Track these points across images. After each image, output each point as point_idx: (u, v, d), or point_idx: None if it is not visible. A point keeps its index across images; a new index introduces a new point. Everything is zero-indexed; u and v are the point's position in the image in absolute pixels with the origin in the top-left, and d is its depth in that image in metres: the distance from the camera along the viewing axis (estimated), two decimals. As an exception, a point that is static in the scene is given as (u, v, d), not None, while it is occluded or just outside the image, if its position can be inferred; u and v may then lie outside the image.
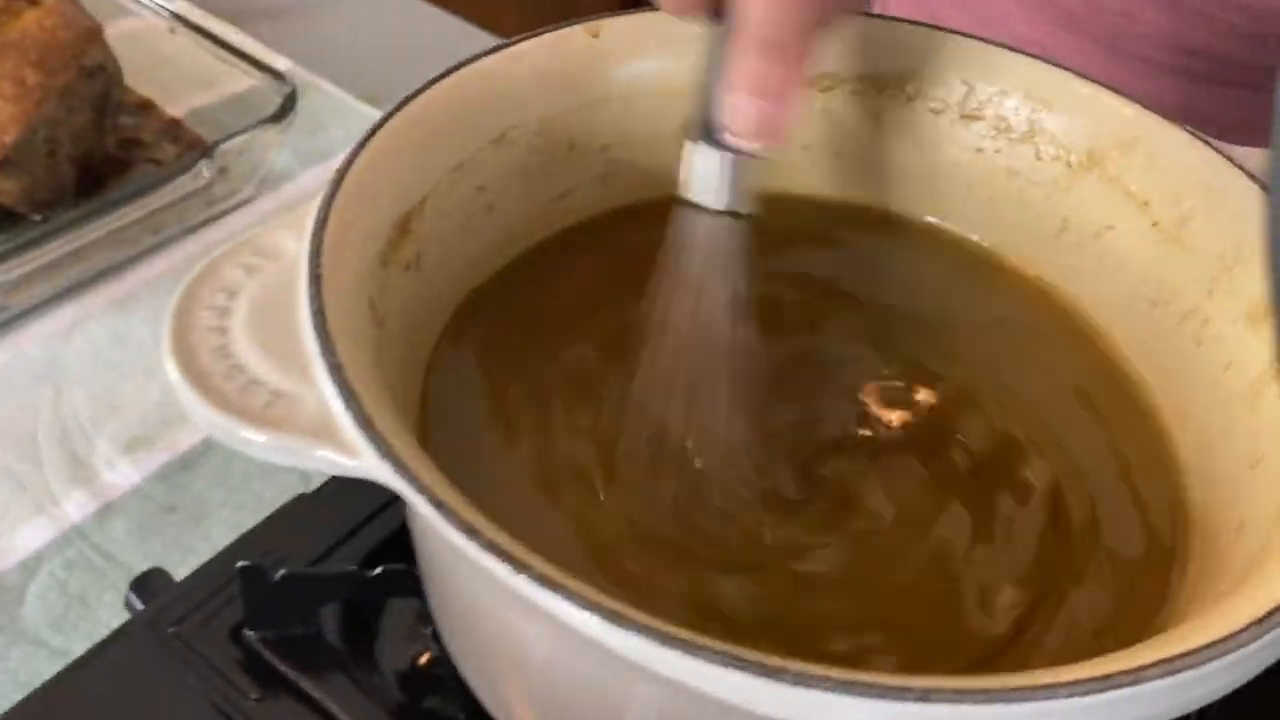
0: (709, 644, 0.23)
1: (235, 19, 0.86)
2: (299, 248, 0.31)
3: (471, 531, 0.24)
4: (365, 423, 0.27)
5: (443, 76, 0.38)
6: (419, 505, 0.25)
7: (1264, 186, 0.36)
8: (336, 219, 0.32)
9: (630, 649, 0.23)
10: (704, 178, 0.36)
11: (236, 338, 0.29)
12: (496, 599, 0.26)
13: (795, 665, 0.23)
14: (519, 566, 0.24)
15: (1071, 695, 0.23)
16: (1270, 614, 0.24)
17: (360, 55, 0.87)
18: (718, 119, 0.35)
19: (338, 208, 0.33)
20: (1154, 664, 0.23)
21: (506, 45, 0.39)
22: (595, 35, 0.41)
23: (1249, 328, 0.35)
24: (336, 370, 0.28)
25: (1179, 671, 0.24)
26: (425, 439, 0.35)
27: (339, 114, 0.79)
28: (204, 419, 0.28)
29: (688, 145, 0.36)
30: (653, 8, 0.41)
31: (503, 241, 0.41)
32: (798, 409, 0.38)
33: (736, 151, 0.35)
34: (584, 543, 0.33)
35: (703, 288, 0.36)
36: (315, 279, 0.30)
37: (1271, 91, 0.64)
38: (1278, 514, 0.30)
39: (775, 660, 0.23)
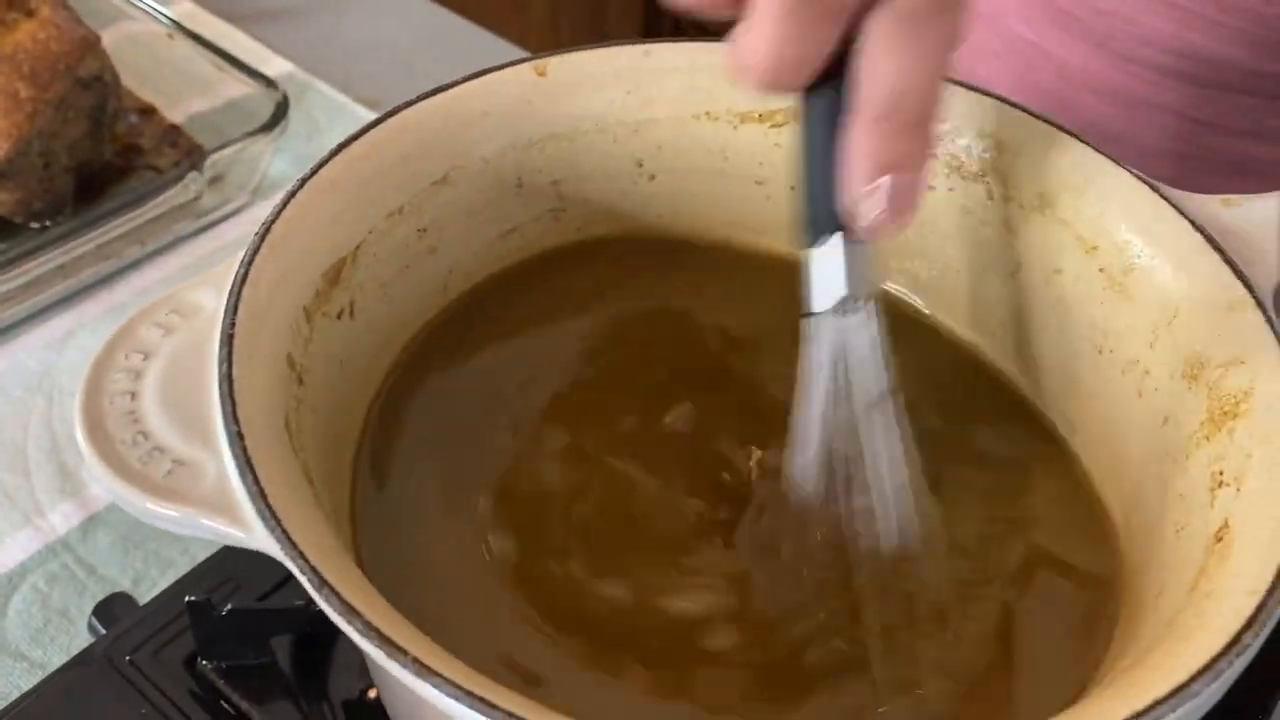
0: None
1: (236, 20, 0.87)
2: (217, 305, 0.32)
3: (350, 614, 0.25)
4: (259, 495, 0.27)
5: (382, 120, 0.38)
6: (305, 584, 0.26)
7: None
8: (259, 273, 0.33)
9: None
10: (828, 278, 0.32)
11: (146, 402, 0.30)
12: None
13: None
14: (392, 651, 0.24)
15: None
16: (1138, 715, 0.24)
17: (361, 57, 0.88)
18: (840, 209, 0.31)
19: (261, 261, 0.33)
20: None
21: (447, 87, 0.39)
22: (542, 74, 0.41)
23: (1185, 383, 0.35)
24: (237, 439, 0.28)
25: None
26: (357, 494, 0.35)
27: (336, 118, 0.80)
28: (106, 486, 0.28)
29: (805, 254, 0.33)
30: (642, 37, 0.41)
31: (446, 282, 0.41)
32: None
33: (862, 239, 0.32)
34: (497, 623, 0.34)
35: (850, 393, 0.33)
36: (227, 339, 0.30)
37: (1272, 99, 0.63)
38: (1190, 588, 0.29)
39: None
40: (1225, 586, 0.28)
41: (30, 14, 0.67)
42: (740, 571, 0.35)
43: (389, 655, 0.24)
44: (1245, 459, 0.31)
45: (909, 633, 0.34)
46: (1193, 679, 0.25)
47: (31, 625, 0.53)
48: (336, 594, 0.25)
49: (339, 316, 0.36)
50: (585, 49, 0.41)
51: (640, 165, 0.43)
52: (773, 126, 0.43)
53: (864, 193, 0.30)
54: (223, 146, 0.67)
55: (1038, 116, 0.40)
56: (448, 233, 0.40)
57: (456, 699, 0.24)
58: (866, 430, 0.33)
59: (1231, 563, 0.29)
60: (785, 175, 0.44)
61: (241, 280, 0.32)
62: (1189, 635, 0.27)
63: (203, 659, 0.42)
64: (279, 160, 0.75)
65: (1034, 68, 0.68)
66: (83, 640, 0.53)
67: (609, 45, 0.41)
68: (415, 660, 0.24)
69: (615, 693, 0.32)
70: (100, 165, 0.71)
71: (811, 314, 0.33)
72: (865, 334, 0.33)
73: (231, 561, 0.45)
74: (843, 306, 0.32)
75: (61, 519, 0.57)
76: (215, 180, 0.68)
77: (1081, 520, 0.37)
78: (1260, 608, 0.27)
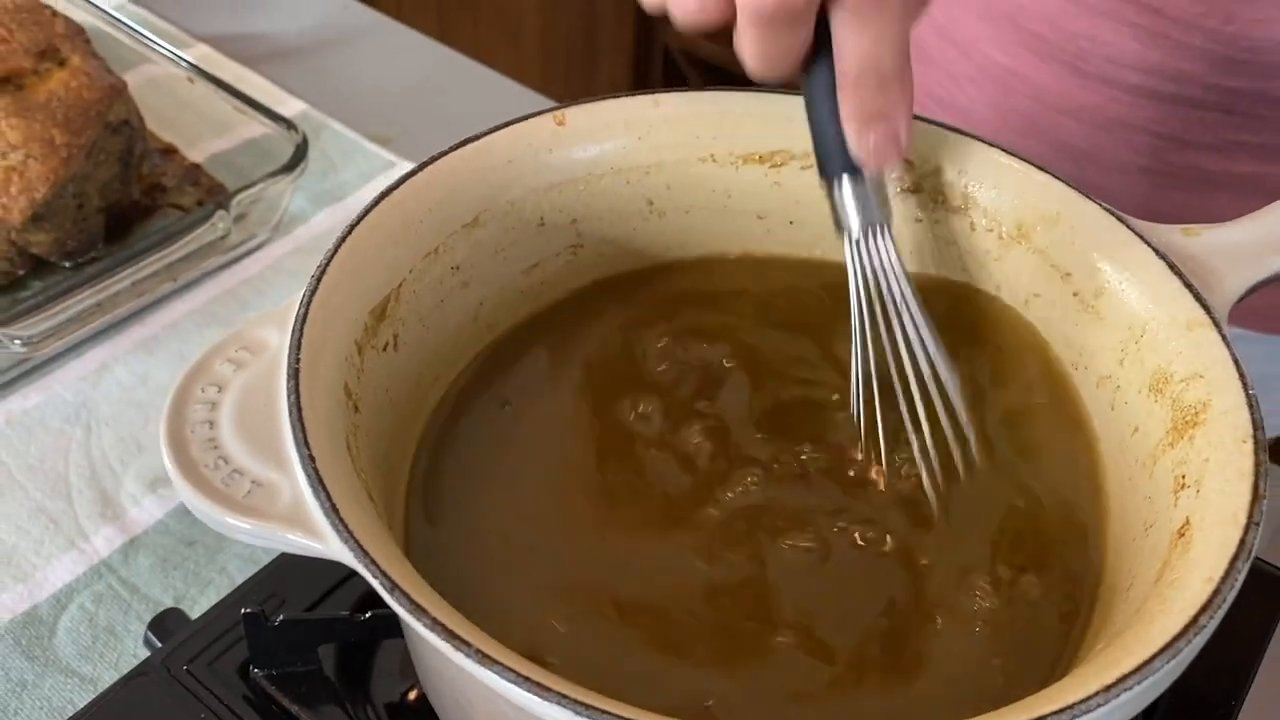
0: (623, 713, 0.27)
1: (249, 61, 0.91)
2: (281, 341, 0.35)
3: (419, 612, 0.28)
4: (332, 510, 0.30)
5: (418, 170, 0.41)
6: (377, 588, 0.29)
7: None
8: (317, 312, 0.36)
9: (553, 715, 0.27)
10: (851, 206, 0.42)
11: (224, 429, 0.33)
12: (447, 660, 0.30)
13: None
14: (458, 644, 0.28)
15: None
16: (1108, 688, 0.28)
17: (371, 95, 0.91)
18: (848, 152, 0.40)
19: (318, 301, 0.37)
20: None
21: (477, 138, 0.43)
22: (561, 123, 0.44)
23: (1151, 396, 0.38)
24: (309, 462, 0.31)
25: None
26: (411, 504, 0.39)
27: (350, 155, 0.83)
28: (192, 506, 0.32)
29: (831, 187, 0.42)
30: (627, 91, 0.45)
31: (477, 314, 0.44)
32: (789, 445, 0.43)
33: (870, 175, 0.41)
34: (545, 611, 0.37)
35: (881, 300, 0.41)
36: (294, 373, 0.34)
37: (1231, 113, 0.67)
38: (1156, 578, 0.33)
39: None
40: (1185, 576, 0.31)
41: (62, 63, 0.71)
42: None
43: (455, 647, 0.28)
44: (1204, 463, 0.35)
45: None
46: (1155, 656, 0.29)
47: (81, 643, 0.56)
48: (406, 595, 0.29)
49: (385, 349, 0.39)
50: (599, 100, 0.45)
51: (651, 204, 0.47)
52: (772, 167, 0.46)
53: (859, 140, 0.40)
54: (247, 186, 0.71)
55: (1014, 154, 0.44)
56: (478, 269, 0.44)
57: (514, 683, 0.27)
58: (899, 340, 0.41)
59: (1191, 555, 0.32)
60: (783, 210, 0.48)
61: (302, 319, 0.35)
62: (1153, 619, 0.30)
63: (255, 667, 0.45)
64: (297, 197, 0.79)
65: (1010, 92, 0.71)
66: (129, 656, 0.56)
67: (621, 96, 0.45)
68: (478, 651, 0.28)
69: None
70: (127, 204, 0.75)
71: (843, 236, 0.42)
72: (886, 255, 0.41)
73: (276, 578, 0.48)
74: (863, 233, 0.41)
75: (104, 542, 0.60)
76: (239, 218, 0.72)
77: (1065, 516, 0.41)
78: (1215, 593, 0.30)
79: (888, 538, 0.39)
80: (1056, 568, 0.39)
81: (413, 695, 0.46)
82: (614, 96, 0.45)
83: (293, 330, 0.35)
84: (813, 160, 0.46)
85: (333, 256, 0.37)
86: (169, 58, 0.82)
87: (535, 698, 0.27)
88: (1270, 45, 0.61)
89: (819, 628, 0.37)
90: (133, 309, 0.70)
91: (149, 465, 0.63)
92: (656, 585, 0.38)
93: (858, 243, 0.42)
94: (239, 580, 0.58)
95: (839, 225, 0.42)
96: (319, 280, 0.37)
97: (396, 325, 0.40)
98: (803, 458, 0.42)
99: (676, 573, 0.39)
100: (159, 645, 0.48)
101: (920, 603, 0.38)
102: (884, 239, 0.41)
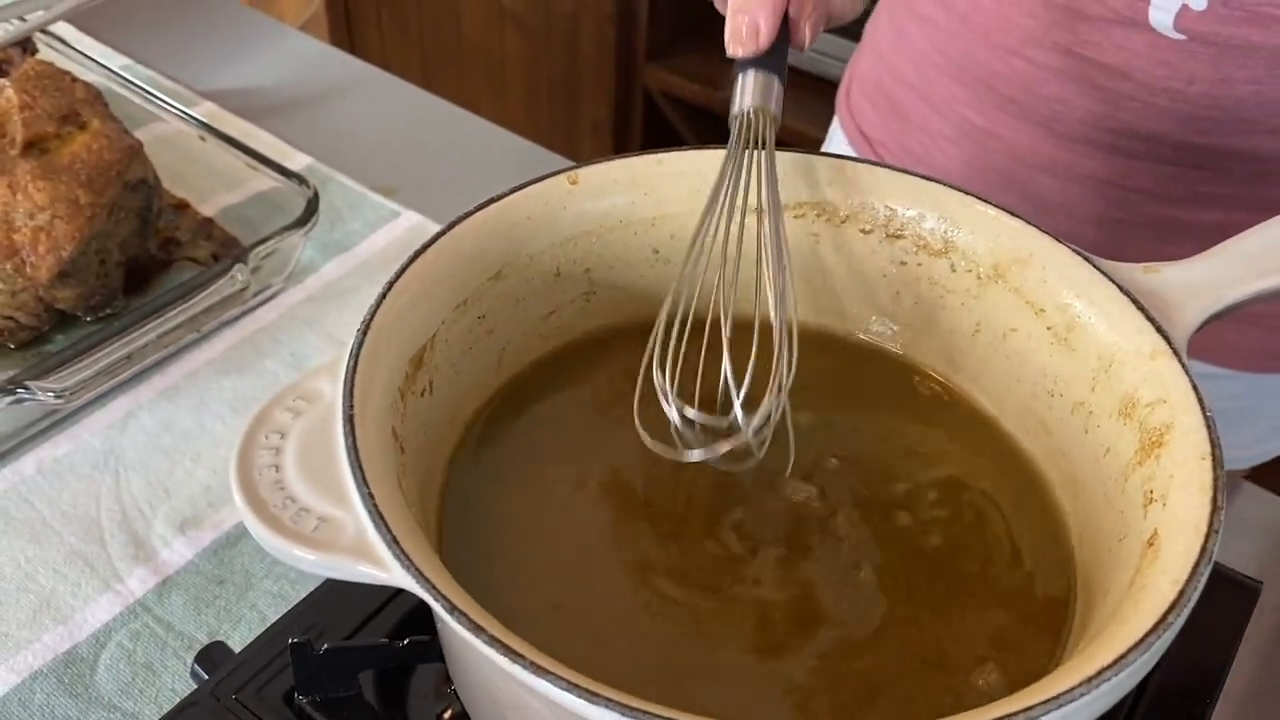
0: (667, 714, 0.31)
1: (250, 115, 0.94)
2: (334, 391, 0.39)
3: (478, 630, 0.32)
4: (393, 542, 0.34)
5: (446, 230, 0.45)
6: (439, 611, 0.33)
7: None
8: (364, 363, 0.40)
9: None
10: (741, 89, 0.47)
11: (288, 471, 0.37)
12: (501, 676, 0.33)
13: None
14: (515, 658, 0.31)
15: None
16: (1089, 680, 0.31)
17: (369, 146, 0.95)
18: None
19: (365, 353, 0.40)
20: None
21: (499, 198, 0.47)
22: (574, 183, 0.48)
23: (1121, 420, 0.42)
24: (369, 499, 0.35)
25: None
26: (441, 540, 0.42)
27: (356, 206, 0.87)
28: (265, 542, 0.35)
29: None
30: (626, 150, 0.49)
31: (500, 358, 0.48)
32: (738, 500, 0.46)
33: (741, 60, 0.47)
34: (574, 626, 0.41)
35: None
36: (349, 419, 0.37)
37: (1200, 168, 0.70)
38: (1129, 584, 0.37)
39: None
40: (1155, 580, 0.35)
41: (83, 126, 0.75)
42: None
43: (512, 660, 0.31)
44: (1169, 479, 0.39)
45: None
46: (1130, 650, 0.32)
47: (121, 679, 0.59)
48: (466, 615, 0.32)
49: (422, 394, 0.43)
50: (609, 160, 0.49)
51: (656, 252, 0.51)
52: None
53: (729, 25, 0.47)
54: (264, 240, 0.75)
55: (988, 202, 0.48)
56: (501, 317, 0.47)
57: (568, 690, 0.31)
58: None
59: (1160, 562, 0.36)
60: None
61: (353, 370, 0.39)
62: (1127, 619, 0.34)
63: (299, 694, 0.48)
64: (307, 248, 0.82)
65: (986, 150, 0.75)
66: (168, 690, 0.59)
67: (628, 156, 0.49)
68: (533, 664, 0.31)
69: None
70: (145, 258, 0.79)
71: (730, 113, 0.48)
72: (766, 135, 0.46)
73: (316, 610, 0.52)
74: (746, 113, 0.47)
75: (138, 583, 0.63)
76: (254, 269, 0.76)
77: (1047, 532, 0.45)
78: (1181, 594, 0.34)
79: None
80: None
81: (447, 715, 0.49)
82: (622, 157, 0.49)
83: (344, 380, 0.39)
84: (802, 210, 0.51)
85: (376, 312, 0.41)
86: (179, 116, 0.85)
87: (584, 702, 0.31)
88: (1232, 102, 0.65)
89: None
90: (156, 359, 0.73)
91: (177, 508, 0.67)
92: (676, 619, 0.42)
93: (738, 117, 0.47)
94: (270, 616, 0.62)
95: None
96: (365, 334, 0.40)
97: (432, 372, 0.44)
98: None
99: (692, 606, 0.43)
100: (205, 677, 0.51)
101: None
102: (767, 127, 0.47)
